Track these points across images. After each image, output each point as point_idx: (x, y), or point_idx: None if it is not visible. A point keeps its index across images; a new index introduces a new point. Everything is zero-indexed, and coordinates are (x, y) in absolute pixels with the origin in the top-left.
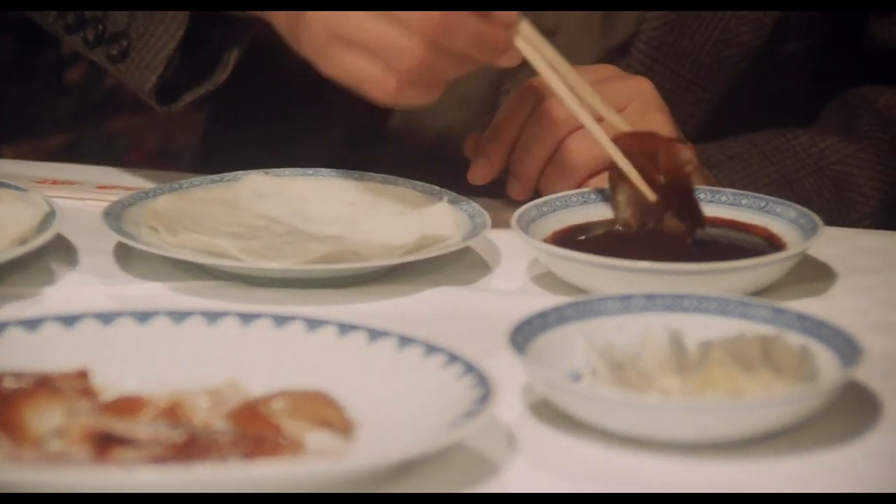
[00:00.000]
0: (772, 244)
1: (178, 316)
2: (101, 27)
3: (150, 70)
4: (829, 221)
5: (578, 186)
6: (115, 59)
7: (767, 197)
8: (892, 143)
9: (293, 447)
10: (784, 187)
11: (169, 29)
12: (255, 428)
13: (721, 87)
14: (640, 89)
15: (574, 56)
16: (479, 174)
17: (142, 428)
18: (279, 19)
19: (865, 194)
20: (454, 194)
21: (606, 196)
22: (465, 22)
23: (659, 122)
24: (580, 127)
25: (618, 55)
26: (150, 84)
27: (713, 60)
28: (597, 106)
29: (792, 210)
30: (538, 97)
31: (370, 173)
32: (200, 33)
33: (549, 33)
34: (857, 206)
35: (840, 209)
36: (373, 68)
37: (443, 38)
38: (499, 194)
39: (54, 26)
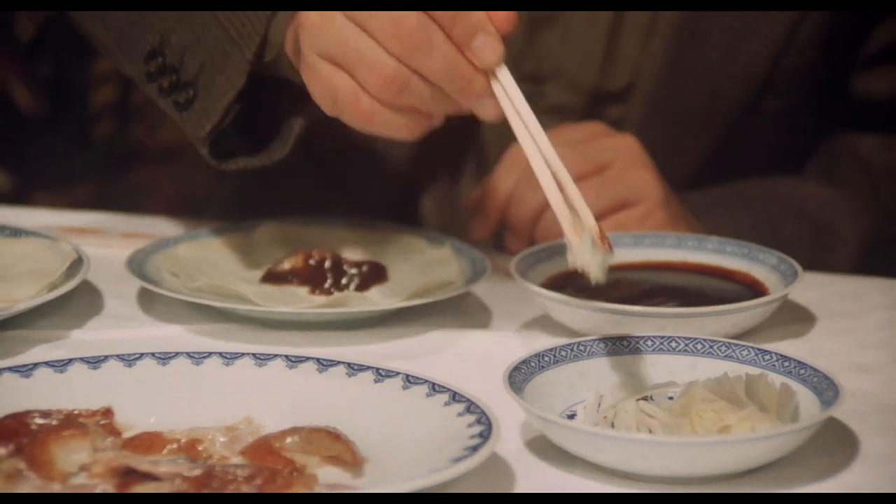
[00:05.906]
0: (754, 289)
1: (197, 357)
2: (175, 76)
3: (206, 118)
4: (810, 264)
5: None
6: (180, 107)
7: (750, 244)
8: (873, 189)
9: (305, 481)
10: (767, 232)
11: (231, 79)
12: (269, 462)
13: (712, 136)
14: (626, 146)
15: (570, 100)
16: (478, 232)
17: (163, 463)
18: (287, 45)
19: (844, 238)
20: (457, 241)
21: None
22: (440, 44)
23: (644, 178)
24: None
25: (613, 102)
26: (205, 131)
27: (704, 113)
28: (558, 171)
29: (773, 257)
30: None
31: (378, 221)
32: (264, 93)
33: (547, 77)
34: (837, 249)
35: (820, 253)
36: (347, 83)
37: (414, 54)
38: (499, 242)
39: (136, 72)
